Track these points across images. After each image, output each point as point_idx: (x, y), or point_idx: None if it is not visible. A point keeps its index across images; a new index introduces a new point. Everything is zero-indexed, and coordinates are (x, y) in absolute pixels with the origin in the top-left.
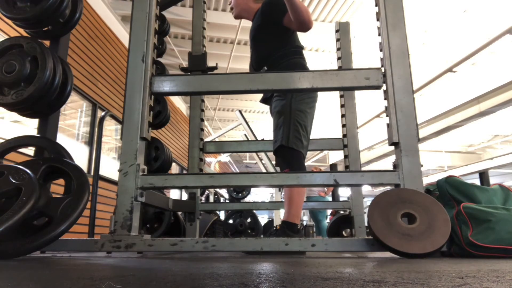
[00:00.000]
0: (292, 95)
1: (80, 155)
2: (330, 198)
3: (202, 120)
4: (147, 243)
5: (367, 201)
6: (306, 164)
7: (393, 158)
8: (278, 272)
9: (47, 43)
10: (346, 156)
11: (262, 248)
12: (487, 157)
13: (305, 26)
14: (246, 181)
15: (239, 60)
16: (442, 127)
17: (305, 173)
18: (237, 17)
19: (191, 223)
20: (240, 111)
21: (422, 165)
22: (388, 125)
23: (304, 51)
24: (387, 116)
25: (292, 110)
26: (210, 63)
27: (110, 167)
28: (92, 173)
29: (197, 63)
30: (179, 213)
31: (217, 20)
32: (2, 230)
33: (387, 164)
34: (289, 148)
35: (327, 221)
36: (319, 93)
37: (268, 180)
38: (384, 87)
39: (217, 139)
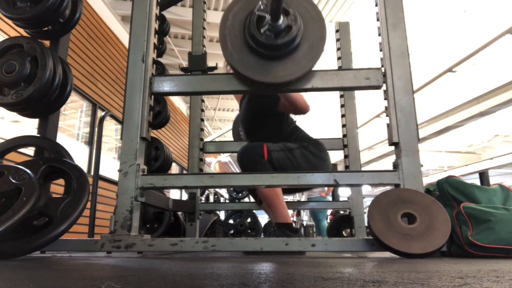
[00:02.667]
0: (301, 147)
1: (80, 155)
2: (330, 198)
3: (202, 120)
4: (147, 243)
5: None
6: None
7: (393, 158)
8: (278, 272)
9: (47, 43)
10: (346, 156)
11: (262, 248)
12: (487, 157)
13: (302, 111)
14: (246, 181)
15: None
16: (442, 127)
17: (305, 173)
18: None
19: (191, 223)
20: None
21: (422, 165)
22: (388, 125)
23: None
24: (387, 116)
25: (294, 150)
26: (210, 63)
27: (110, 167)
28: (92, 173)
29: (197, 63)
30: (179, 213)
31: (217, 20)
32: (2, 230)
33: (387, 164)
34: (270, 154)
35: (327, 221)
36: (319, 94)
37: (268, 180)
38: (384, 87)
39: (217, 139)
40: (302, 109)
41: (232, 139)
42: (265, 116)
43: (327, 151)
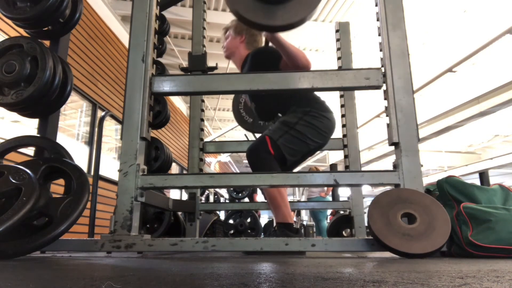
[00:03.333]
0: (304, 115)
1: (80, 155)
2: (330, 198)
3: (202, 120)
4: (147, 243)
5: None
6: (306, 164)
7: (393, 158)
8: (278, 272)
9: (47, 43)
10: (346, 156)
11: (262, 248)
12: (487, 157)
13: (304, 69)
14: (246, 181)
15: None
16: (442, 127)
17: (305, 173)
18: (227, 58)
19: (191, 223)
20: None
21: (422, 165)
22: (388, 125)
23: (304, 51)
24: (387, 116)
25: (295, 128)
26: (210, 63)
27: (110, 167)
28: (92, 173)
29: (197, 63)
30: (179, 213)
31: (217, 20)
32: (2, 230)
33: (387, 164)
34: (275, 144)
35: (327, 221)
36: (319, 94)
37: (268, 180)
38: (384, 87)
39: (217, 139)
40: (302, 65)
41: (232, 138)
42: None
43: (329, 109)
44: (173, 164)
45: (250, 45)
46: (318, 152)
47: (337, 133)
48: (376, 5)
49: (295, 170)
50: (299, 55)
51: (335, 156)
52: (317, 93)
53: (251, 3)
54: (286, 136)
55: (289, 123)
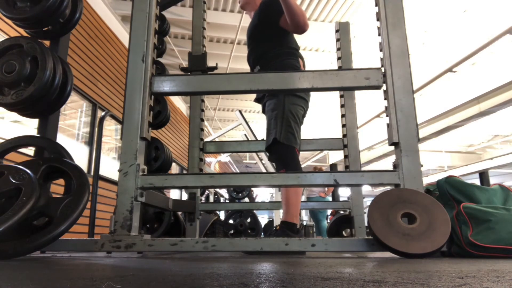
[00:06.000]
0: (285, 95)
1: (80, 155)
2: (330, 198)
3: (202, 120)
4: (147, 243)
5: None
6: (306, 164)
7: (393, 158)
8: (278, 272)
9: (47, 43)
10: (346, 156)
11: (262, 248)
12: (487, 157)
13: (301, 28)
14: (246, 181)
15: (239, 60)
16: (442, 127)
17: (305, 173)
18: (242, 7)
19: (191, 223)
20: (240, 111)
21: (422, 165)
22: (388, 125)
23: (304, 51)
24: (387, 116)
25: (285, 108)
26: (210, 63)
27: (110, 167)
28: (92, 173)
29: (197, 63)
30: (179, 213)
31: (217, 20)
32: (2, 230)
33: (387, 164)
34: (283, 144)
35: (327, 221)
36: (319, 94)
37: (268, 180)
38: (384, 87)
39: (217, 139)
40: (299, 24)
41: (232, 138)
42: (269, 28)
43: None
44: (173, 164)
45: None
46: (318, 151)
47: (337, 133)
48: (376, 5)
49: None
50: (298, 14)
51: (335, 156)
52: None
53: None
54: (283, 129)
55: (277, 110)
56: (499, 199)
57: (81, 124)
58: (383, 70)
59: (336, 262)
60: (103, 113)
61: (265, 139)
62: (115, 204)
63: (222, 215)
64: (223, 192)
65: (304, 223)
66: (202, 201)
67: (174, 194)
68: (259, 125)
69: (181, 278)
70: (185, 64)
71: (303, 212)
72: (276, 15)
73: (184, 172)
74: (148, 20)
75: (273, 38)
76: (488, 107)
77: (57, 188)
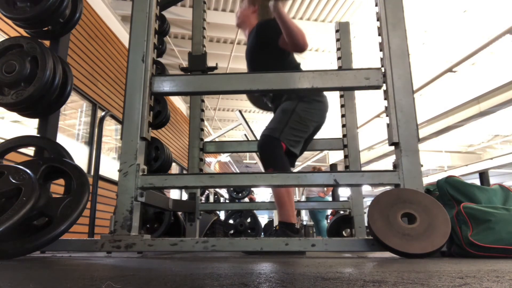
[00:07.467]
0: (299, 101)
1: (80, 155)
2: (330, 198)
3: (202, 120)
4: (147, 243)
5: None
6: (306, 164)
7: (393, 158)
8: (278, 272)
9: (47, 43)
10: (346, 156)
11: (262, 248)
12: (487, 157)
13: (300, 48)
14: (246, 181)
15: (239, 60)
16: (442, 127)
17: (305, 173)
18: (238, 26)
19: (191, 223)
20: (240, 111)
21: (422, 165)
22: (388, 125)
23: (304, 51)
24: (387, 116)
25: (295, 111)
26: (210, 63)
27: (110, 167)
28: (92, 173)
29: (197, 63)
30: (179, 213)
31: (217, 20)
32: (2, 230)
33: (387, 164)
34: (278, 141)
35: (327, 221)
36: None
37: (268, 180)
38: (384, 87)
39: (217, 139)
40: (299, 44)
41: (232, 138)
42: (268, 49)
43: (321, 93)
44: (173, 164)
45: (261, 16)
46: (318, 151)
47: (337, 133)
48: (376, 5)
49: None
50: (297, 34)
51: (335, 156)
52: None
53: None
54: (287, 128)
55: (287, 110)
56: (499, 199)
57: (81, 124)
58: (383, 70)
59: (336, 262)
60: (103, 113)
61: None
62: (115, 204)
63: (222, 215)
64: (223, 192)
65: (304, 223)
66: (202, 201)
67: (174, 194)
68: (259, 125)
69: (181, 278)
70: (185, 64)
71: (303, 212)
72: (275, 36)
73: (184, 172)
74: (148, 20)
75: (275, 60)
76: (488, 107)
77: (57, 188)
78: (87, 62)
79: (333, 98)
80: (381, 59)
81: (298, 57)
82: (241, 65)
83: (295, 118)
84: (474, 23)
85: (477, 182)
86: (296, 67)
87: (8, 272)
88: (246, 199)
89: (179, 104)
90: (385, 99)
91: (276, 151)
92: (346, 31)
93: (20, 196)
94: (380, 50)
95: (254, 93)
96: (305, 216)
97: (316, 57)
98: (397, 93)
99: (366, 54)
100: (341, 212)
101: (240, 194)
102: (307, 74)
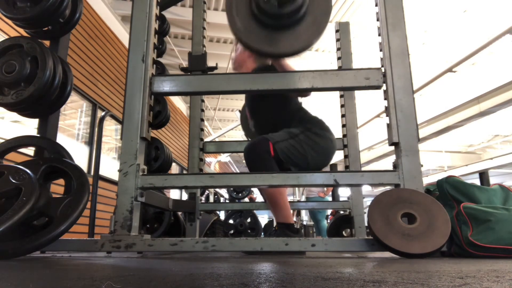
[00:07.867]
0: (305, 130)
1: (80, 155)
2: (330, 198)
3: (202, 120)
4: (147, 243)
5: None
6: None
7: (393, 158)
8: (278, 272)
9: (47, 43)
10: (346, 156)
11: (262, 248)
12: (487, 157)
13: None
14: (246, 181)
15: None
16: (442, 127)
17: (305, 173)
18: (235, 70)
19: (191, 223)
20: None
21: (422, 165)
22: (388, 125)
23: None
24: (387, 116)
25: (299, 135)
26: (210, 63)
27: (110, 167)
28: (92, 173)
29: (197, 63)
30: (179, 213)
31: (217, 20)
32: (2, 230)
33: (387, 164)
34: (274, 147)
35: (327, 221)
36: (319, 94)
37: (268, 180)
38: (384, 87)
39: (217, 139)
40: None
41: (232, 138)
42: (269, 97)
43: (330, 129)
44: (173, 164)
45: (258, 60)
46: None
47: (337, 133)
48: (376, 5)
49: None
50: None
51: (335, 156)
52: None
53: (253, 29)
54: (285, 143)
55: (292, 133)
56: (499, 199)
57: (81, 124)
58: (383, 70)
59: (336, 262)
60: (103, 113)
61: None
62: (115, 204)
63: (222, 215)
64: (223, 192)
65: (304, 223)
66: (202, 201)
67: (174, 194)
68: None
69: (181, 278)
70: (185, 64)
71: (303, 212)
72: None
73: (184, 172)
74: (148, 20)
75: (280, 103)
76: (488, 107)
77: (57, 188)
78: (87, 62)
79: (333, 98)
80: (381, 59)
81: (298, 57)
82: None
83: (294, 142)
84: (474, 23)
85: (477, 182)
86: (299, 105)
87: (8, 272)
88: (246, 199)
89: (179, 104)
90: (385, 99)
91: (265, 155)
92: (346, 31)
93: (20, 196)
94: (380, 50)
95: (254, 93)
96: (305, 216)
97: (316, 57)
98: (397, 93)
99: (366, 54)
100: (341, 212)
101: (240, 194)
102: (307, 74)
